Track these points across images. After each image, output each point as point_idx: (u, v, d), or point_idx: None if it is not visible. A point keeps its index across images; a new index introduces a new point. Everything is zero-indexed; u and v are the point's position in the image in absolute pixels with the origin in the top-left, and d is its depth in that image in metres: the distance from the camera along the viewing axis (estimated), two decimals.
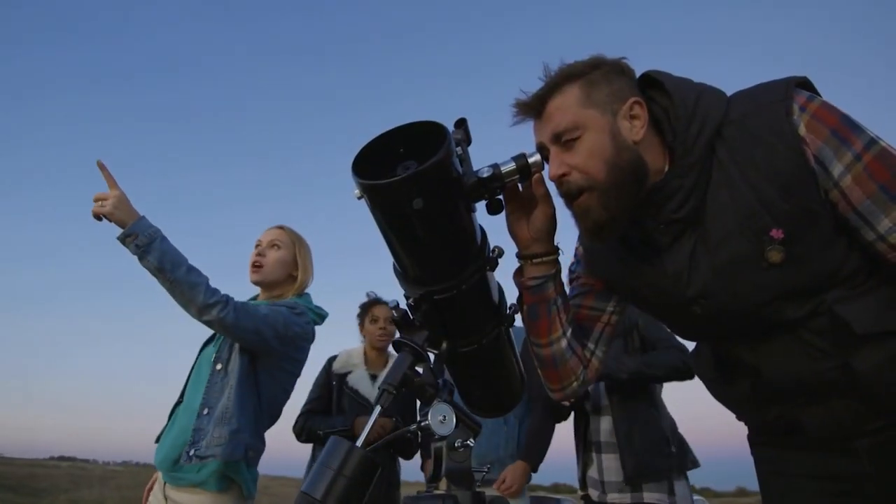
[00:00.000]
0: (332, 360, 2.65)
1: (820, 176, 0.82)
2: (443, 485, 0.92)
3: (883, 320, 0.83)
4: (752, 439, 1.06)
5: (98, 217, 1.53)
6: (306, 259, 1.99)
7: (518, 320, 1.04)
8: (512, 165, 0.88)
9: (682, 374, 2.04)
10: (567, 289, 1.09)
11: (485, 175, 0.84)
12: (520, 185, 0.93)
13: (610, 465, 2.04)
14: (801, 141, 0.82)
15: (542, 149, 0.94)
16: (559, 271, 1.01)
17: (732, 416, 1.52)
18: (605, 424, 2.10)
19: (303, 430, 2.45)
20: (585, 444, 2.18)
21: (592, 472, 2.11)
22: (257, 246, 1.95)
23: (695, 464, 2.08)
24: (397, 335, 0.89)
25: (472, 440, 0.88)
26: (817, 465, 0.92)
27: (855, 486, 0.88)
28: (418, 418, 0.87)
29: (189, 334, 2.39)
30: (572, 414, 2.30)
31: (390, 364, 2.56)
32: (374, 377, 2.56)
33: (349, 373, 2.55)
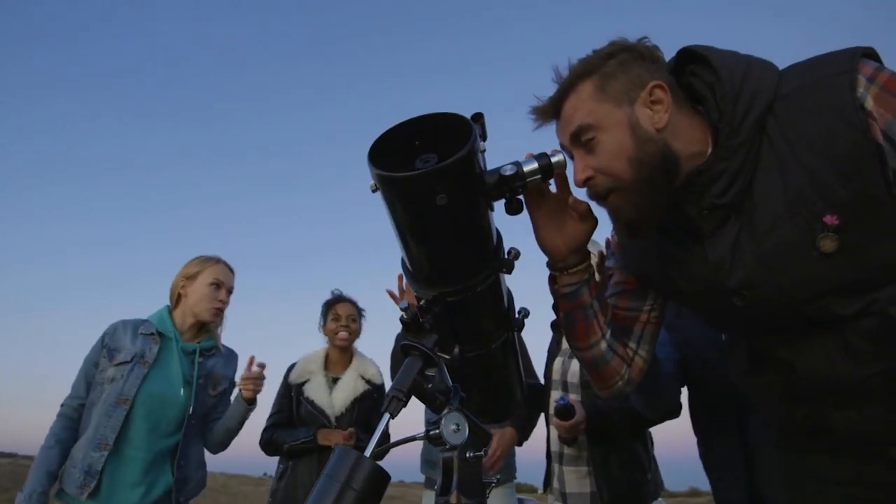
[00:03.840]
0: (290, 368, 2.54)
1: (889, 154, 0.73)
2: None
3: None
4: (778, 442, 1.01)
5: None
6: None
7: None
8: (534, 165, 0.85)
9: (674, 415, 1.84)
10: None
11: (507, 173, 0.81)
12: (551, 184, 0.90)
13: (570, 477, 1.91)
14: (868, 115, 0.73)
15: (565, 150, 0.91)
16: (593, 274, 0.98)
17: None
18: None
19: (269, 444, 2.38)
20: (549, 452, 2.05)
21: (555, 482, 1.98)
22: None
23: (662, 486, 1.96)
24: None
25: (484, 450, 0.84)
26: (847, 471, 0.88)
27: (887, 495, 0.84)
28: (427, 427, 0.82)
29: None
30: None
31: (355, 363, 2.52)
32: (334, 381, 2.47)
33: (306, 381, 2.46)
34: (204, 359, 1.97)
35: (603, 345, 0.99)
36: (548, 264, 0.98)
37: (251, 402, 1.99)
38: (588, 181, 0.88)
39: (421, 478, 2.50)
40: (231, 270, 2.07)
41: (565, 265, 0.96)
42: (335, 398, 2.40)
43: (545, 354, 2.18)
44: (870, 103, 0.74)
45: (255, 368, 1.98)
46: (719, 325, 1.01)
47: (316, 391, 2.41)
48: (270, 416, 2.46)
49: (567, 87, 0.88)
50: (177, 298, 2.00)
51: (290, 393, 2.45)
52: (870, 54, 0.79)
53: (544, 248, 0.96)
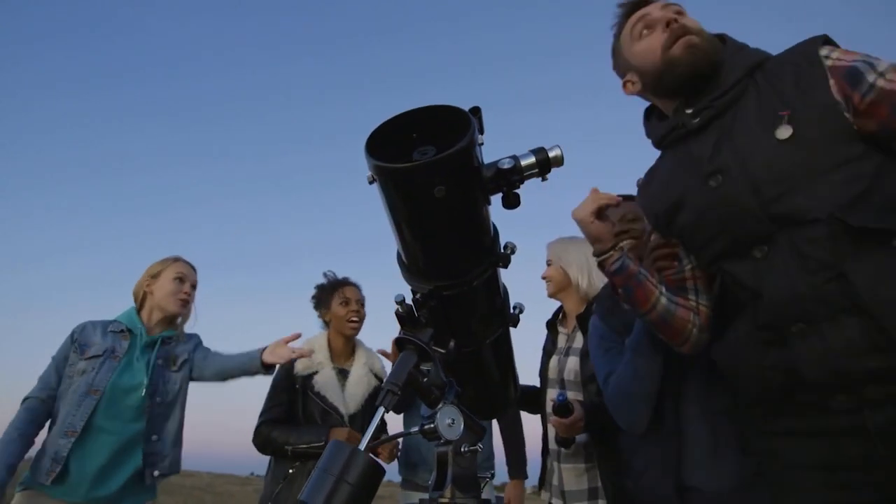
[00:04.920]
0: None
1: (855, 84, 0.93)
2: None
3: (881, 217, 0.88)
4: (758, 426, 1.04)
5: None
6: None
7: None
8: (531, 159, 0.84)
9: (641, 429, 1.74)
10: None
11: (505, 167, 0.80)
12: (541, 178, 0.90)
13: (569, 475, 1.88)
14: (827, 68, 0.97)
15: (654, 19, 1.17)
16: (625, 251, 1.18)
17: None
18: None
19: (268, 443, 2.06)
20: (545, 448, 2.02)
21: (554, 479, 1.95)
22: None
23: None
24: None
25: (480, 445, 0.84)
26: (822, 453, 0.91)
27: (862, 476, 0.87)
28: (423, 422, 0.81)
29: None
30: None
31: (362, 356, 2.40)
32: (341, 373, 2.22)
33: (314, 373, 2.16)
34: (168, 346, 2.05)
35: (663, 299, 1.15)
36: (601, 250, 1.18)
37: (269, 369, 1.96)
38: (679, 16, 1.12)
39: None
40: (192, 268, 2.17)
41: (611, 245, 1.17)
42: (349, 395, 2.16)
43: (541, 353, 2.14)
44: (829, 62, 0.98)
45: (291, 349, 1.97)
46: (701, 239, 1.13)
47: (327, 386, 2.13)
48: (265, 410, 2.14)
49: None
50: (142, 297, 2.09)
51: (294, 385, 2.14)
52: (828, 41, 1.04)
53: (597, 237, 1.17)
